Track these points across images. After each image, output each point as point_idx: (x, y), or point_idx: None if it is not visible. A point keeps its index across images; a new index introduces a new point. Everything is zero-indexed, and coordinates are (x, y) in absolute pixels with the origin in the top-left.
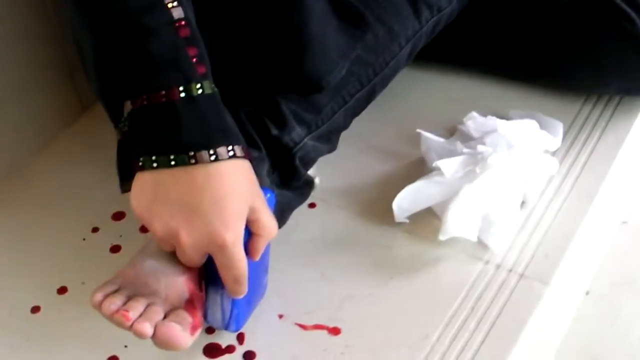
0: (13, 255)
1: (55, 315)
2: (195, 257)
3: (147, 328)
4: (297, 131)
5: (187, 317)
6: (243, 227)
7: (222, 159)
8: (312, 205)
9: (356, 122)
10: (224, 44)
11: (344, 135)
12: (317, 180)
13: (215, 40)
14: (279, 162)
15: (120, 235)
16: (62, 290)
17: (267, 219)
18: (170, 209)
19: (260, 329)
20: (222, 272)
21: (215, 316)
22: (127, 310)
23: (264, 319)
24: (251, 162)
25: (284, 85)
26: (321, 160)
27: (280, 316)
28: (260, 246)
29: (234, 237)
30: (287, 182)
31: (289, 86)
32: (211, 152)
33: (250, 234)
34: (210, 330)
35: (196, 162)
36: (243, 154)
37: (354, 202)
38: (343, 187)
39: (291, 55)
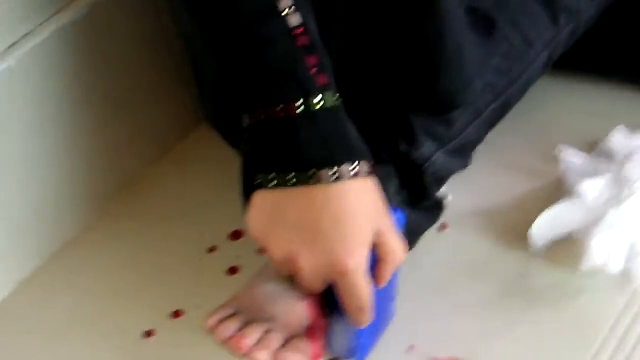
0: (125, 275)
1: (169, 340)
2: (315, 283)
3: (264, 356)
4: (427, 146)
5: (307, 346)
6: (367, 252)
7: (344, 178)
8: (442, 228)
9: (489, 137)
10: (350, 56)
11: (477, 154)
12: (448, 199)
13: (340, 51)
14: (407, 179)
15: (238, 256)
16: (177, 314)
17: (394, 243)
18: (288, 231)
19: None
20: (345, 301)
21: (338, 345)
22: (242, 337)
23: (392, 350)
24: (378, 180)
25: (414, 103)
26: (453, 179)
27: (410, 347)
28: (387, 273)
29: (357, 264)
30: (417, 202)
31: (421, 104)
32: (333, 170)
33: (376, 259)
34: None
35: (316, 182)
36: (368, 172)
37: (487, 225)
38: (476, 207)
39: (424, 71)
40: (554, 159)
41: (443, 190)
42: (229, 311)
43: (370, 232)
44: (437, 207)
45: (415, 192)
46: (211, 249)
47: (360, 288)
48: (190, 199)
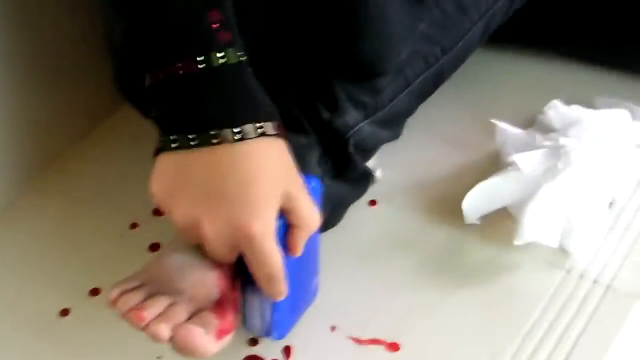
0: (45, 253)
1: (85, 319)
2: (223, 251)
3: (163, 330)
4: (352, 114)
5: (214, 320)
6: (274, 216)
7: (249, 138)
8: (372, 203)
9: (423, 109)
10: (268, 18)
11: (409, 123)
12: (378, 173)
13: (259, 13)
14: (331, 149)
15: (161, 233)
16: (95, 291)
17: (306, 208)
18: (191, 195)
19: (309, 342)
20: (253, 269)
21: (254, 321)
22: (141, 309)
23: (314, 330)
24: (287, 141)
25: (336, 69)
26: (383, 151)
27: (333, 328)
28: (300, 240)
29: (263, 227)
30: (342, 173)
31: (343, 71)
32: (236, 130)
33: (288, 227)
34: (254, 341)
35: (219, 142)
36: (276, 132)
37: (419, 199)
38: (407, 182)
39: (345, 34)
40: (491, 133)
41: (372, 163)
42: (135, 283)
43: (277, 195)
44: (364, 179)
45: (340, 162)
46: (133, 226)
47: (269, 254)
48: (114, 177)
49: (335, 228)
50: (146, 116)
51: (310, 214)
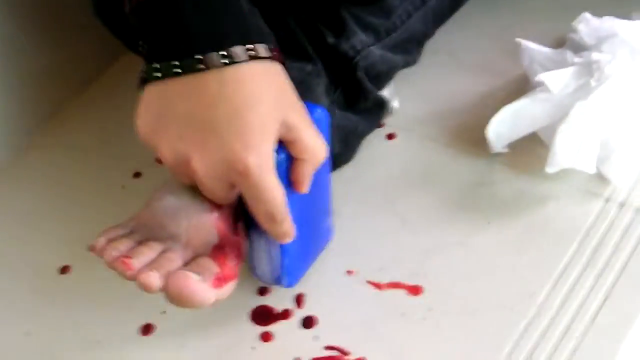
0: (46, 205)
1: (86, 275)
2: (218, 189)
3: (154, 278)
4: (360, 38)
5: (213, 267)
6: (272, 147)
7: (238, 61)
8: (390, 136)
9: (444, 36)
10: None
11: (429, 51)
12: (395, 104)
13: None
14: (338, 76)
15: (165, 181)
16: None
17: (310, 138)
18: (178, 128)
19: (323, 289)
20: (252, 208)
21: (262, 267)
22: (129, 257)
23: (329, 276)
24: (285, 66)
25: None
26: (401, 82)
27: (349, 272)
28: (305, 174)
29: (259, 160)
30: (353, 102)
31: None
32: (223, 53)
33: (291, 160)
34: (263, 291)
35: (206, 68)
36: (269, 55)
37: (441, 130)
38: (428, 113)
39: None
40: (516, 56)
41: (389, 93)
42: (124, 230)
43: (274, 123)
44: (378, 109)
45: (349, 90)
46: (136, 175)
47: (267, 189)
48: (116, 127)
49: (349, 164)
50: (133, 51)
51: (314, 144)
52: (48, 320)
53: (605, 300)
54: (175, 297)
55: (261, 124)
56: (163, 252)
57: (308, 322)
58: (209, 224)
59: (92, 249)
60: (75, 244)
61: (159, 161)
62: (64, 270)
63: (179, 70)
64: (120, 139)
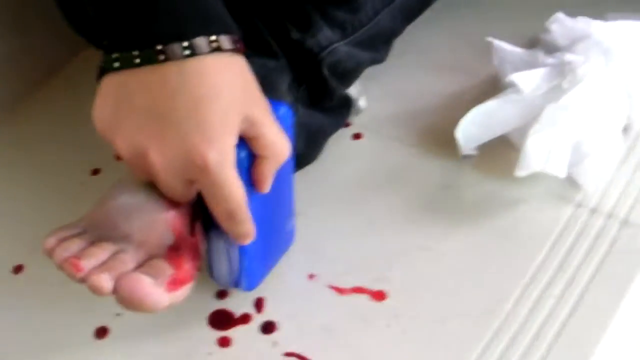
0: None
1: (41, 275)
2: (176, 186)
3: (104, 281)
4: (326, 34)
5: (167, 269)
6: (232, 142)
7: (200, 53)
8: (357, 136)
9: (413, 33)
10: None
11: (397, 50)
12: (362, 103)
13: None
14: (303, 73)
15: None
16: None
17: (273, 135)
18: (136, 120)
19: (284, 293)
20: (212, 206)
21: (221, 270)
22: (79, 258)
23: (289, 280)
24: (249, 61)
25: None
26: (368, 80)
27: (311, 276)
28: (267, 172)
29: (219, 155)
30: (317, 100)
31: None
32: (185, 44)
33: (253, 158)
34: (222, 294)
35: (167, 59)
36: (232, 47)
37: (409, 131)
38: (396, 113)
39: None
40: (487, 56)
41: (355, 91)
42: (75, 230)
43: (236, 118)
44: (343, 107)
45: (314, 88)
46: (95, 172)
47: (227, 185)
48: (76, 122)
49: (315, 164)
50: (96, 46)
51: (277, 141)
52: None
53: (575, 307)
54: (126, 301)
55: (222, 117)
56: (115, 253)
57: (268, 328)
58: (164, 224)
59: (43, 250)
60: (29, 243)
61: (118, 158)
62: (17, 269)
63: (138, 61)
64: (79, 135)
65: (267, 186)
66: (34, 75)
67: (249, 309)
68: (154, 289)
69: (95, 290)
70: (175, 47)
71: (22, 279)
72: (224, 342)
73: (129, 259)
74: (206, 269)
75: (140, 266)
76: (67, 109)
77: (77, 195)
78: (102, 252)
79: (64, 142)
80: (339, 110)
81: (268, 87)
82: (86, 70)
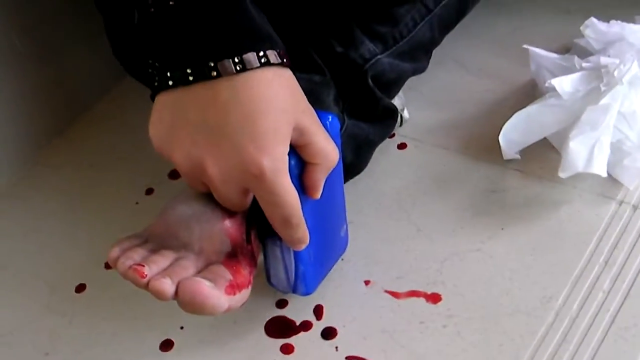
0: (58, 225)
1: (102, 294)
2: (232, 195)
3: (167, 285)
4: (368, 47)
5: (226, 274)
6: (285, 151)
7: (251, 68)
8: (402, 146)
9: (451, 43)
10: None
11: (436, 60)
12: (405, 114)
13: None
14: (348, 86)
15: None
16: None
17: (322, 142)
18: (191, 134)
19: (341, 300)
20: (268, 213)
21: (278, 276)
22: (142, 265)
23: (346, 286)
24: (293, 71)
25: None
26: (410, 92)
27: (367, 282)
28: (318, 178)
29: (274, 163)
30: (363, 111)
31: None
32: (236, 60)
33: (302, 166)
34: (282, 303)
35: (219, 75)
36: (280, 61)
37: (452, 139)
38: (438, 122)
39: None
40: (524, 63)
41: (399, 103)
42: (137, 241)
43: (287, 127)
44: (389, 117)
45: (359, 99)
46: (149, 191)
47: (283, 192)
48: (127, 142)
49: (364, 175)
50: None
51: (326, 147)
52: (66, 340)
53: (623, 301)
54: (187, 304)
55: (274, 128)
56: (176, 260)
57: (328, 333)
58: (221, 232)
59: (108, 259)
60: (89, 263)
61: (171, 177)
62: (80, 289)
63: (192, 78)
64: (131, 156)
65: (318, 192)
66: (83, 99)
67: (309, 316)
68: (213, 292)
69: (158, 295)
70: (227, 63)
71: (85, 298)
72: (287, 349)
73: (190, 265)
74: (265, 276)
75: (199, 272)
76: (117, 130)
77: (132, 214)
78: (163, 260)
79: (117, 163)
80: (385, 120)
81: (315, 100)
82: (134, 92)
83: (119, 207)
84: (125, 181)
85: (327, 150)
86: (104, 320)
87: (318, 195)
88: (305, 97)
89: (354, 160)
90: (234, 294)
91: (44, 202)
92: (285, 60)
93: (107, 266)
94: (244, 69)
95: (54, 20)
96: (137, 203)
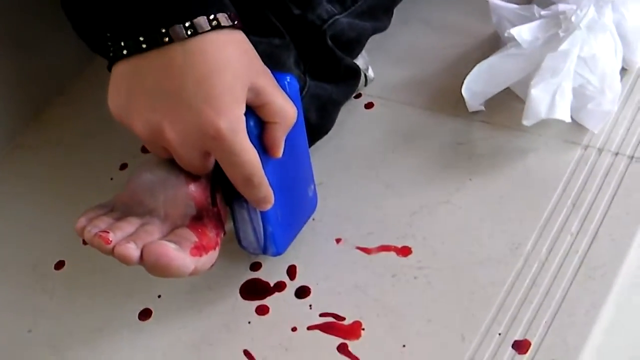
0: (35, 204)
1: (81, 269)
2: (193, 158)
3: (131, 250)
4: (325, 7)
5: (191, 236)
6: (241, 111)
7: (202, 32)
8: (369, 106)
9: (414, 2)
10: None
11: (401, 19)
12: (370, 73)
13: None
14: (308, 47)
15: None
16: None
17: (278, 101)
18: (148, 100)
19: (314, 259)
20: (229, 174)
21: (248, 237)
22: (106, 231)
23: (318, 245)
24: (247, 34)
25: None
26: (374, 51)
27: (338, 240)
28: (278, 136)
29: (230, 124)
30: (325, 72)
31: None
32: (187, 24)
33: (262, 126)
34: (256, 266)
35: (171, 40)
36: (231, 23)
37: (418, 95)
38: (404, 79)
39: None
40: (486, 16)
41: (362, 62)
42: (103, 210)
43: (242, 88)
44: (352, 76)
45: (320, 60)
46: (123, 166)
47: (241, 152)
48: (100, 122)
49: (332, 135)
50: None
51: (284, 106)
52: (48, 315)
53: (592, 241)
54: (153, 266)
55: (229, 88)
56: (141, 225)
57: (302, 292)
58: (185, 196)
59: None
60: (68, 239)
61: (144, 151)
62: (59, 266)
63: (145, 45)
64: (104, 134)
65: (279, 151)
66: (56, 82)
67: (283, 277)
68: (178, 254)
69: (123, 259)
70: (178, 29)
71: (65, 274)
72: (262, 311)
73: (154, 230)
74: (235, 239)
75: (165, 236)
76: (90, 111)
77: (107, 190)
78: (128, 226)
79: (91, 142)
80: (348, 80)
81: (275, 62)
82: (104, 73)
83: (94, 183)
84: (100, 158)
85: (285, 109)
86: (84, 294)
87: (279, 154)
88: (259, 58)
89: (319, 121)
90: (200, 255)
91: (21, 183)
92: (236, 22)
93: (85, 242)
94: (195, 33)
95: (24, 5)
96: (111, 179)
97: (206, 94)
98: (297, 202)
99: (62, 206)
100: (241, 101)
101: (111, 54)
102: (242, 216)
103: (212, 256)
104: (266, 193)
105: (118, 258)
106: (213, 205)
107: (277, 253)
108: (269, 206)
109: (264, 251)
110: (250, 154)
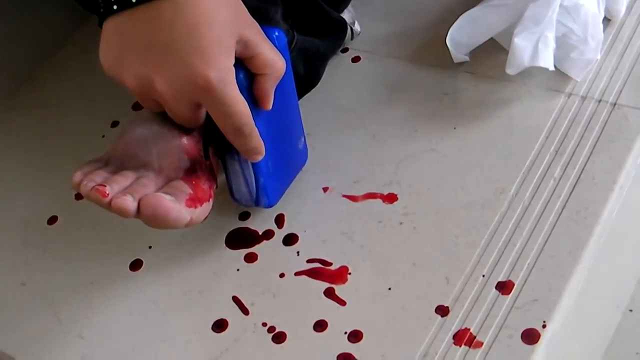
0: (27, 162)
1: (73, 223)
2: (184, 110)
3: (128, 202)
4: None
5: (185, 188)
6: (231, 62)
7: None
8: (356, 59)
9: None
10: None
11: None
12: (356, 27)
13: None
14: (294, 0)
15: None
16: (80, 195)
17: (267, 53)
18: (139, 54)
19: (302, 208)
20: (220, 125)
21: (240, 189)
22: (103, 185)
23: (306, 195)
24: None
25: None
26: (361, 7)
27: (326, 189)
28: (268, 87)
29: (220, 74)
30: (312, 26)
31: None
32: None
33: (251, 79)
34: (245, 215)
35: None
36: None
37: (404, 48)
38: (390, 33)
39: None
40: None
41: (349, 16)
42: (98, 164)
43: (230, 40)
44: (338, 30)
45: (307, 14)
46: (114, 124)
47: (231, 102)
48: (91, 81)
49: (320, 89)
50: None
51: (273, 58)
52: (41, 269)
53: (574, 186)
54: (150, 218)
55: (218, 40)
56: (136, 179)
57: (289, 239)
58: (178, 149)
59: (71, 184)
60: (60, 195)
61: (134, 108)
62: (52, 221)
63: (134, 0)
64: (95, 93)
65: (269, 102)
66: (46, 44)
67: (271, 225)
68: (174, 205)
69: (121, 212)
70: None
71: (57, 229)
72: (251, 258)
73: (150, 183)
74: (228, 192)
75: (160, 189)
76: (80, 71)
77: (100, 147)
78: (124, 179)
79: (82, 101)
80: (335, 34)
81: (263, 17)
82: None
83: (87, 140)
84: (91, 117)
85: (274, 61)
86: (76, 248)
87: (269, 106)
88: (247, 11)
89: (307, 74)
90: (195, 207)
91: (14, 143)
92: None
93: (77, 197)
94: None
95: None
96: (103, 136)
97: (195, 45)
98: (288, 155)
99: (56, 163)
100: (230, 52)
101: (102, 10)
102: (234, 168)
103: (206, 208)
104: (257, 143)
105: (115, 211)
106: (206, 158)
107: (269, 205)
108: (260, 157)
109: (257, 203)
110: (240, 104)
